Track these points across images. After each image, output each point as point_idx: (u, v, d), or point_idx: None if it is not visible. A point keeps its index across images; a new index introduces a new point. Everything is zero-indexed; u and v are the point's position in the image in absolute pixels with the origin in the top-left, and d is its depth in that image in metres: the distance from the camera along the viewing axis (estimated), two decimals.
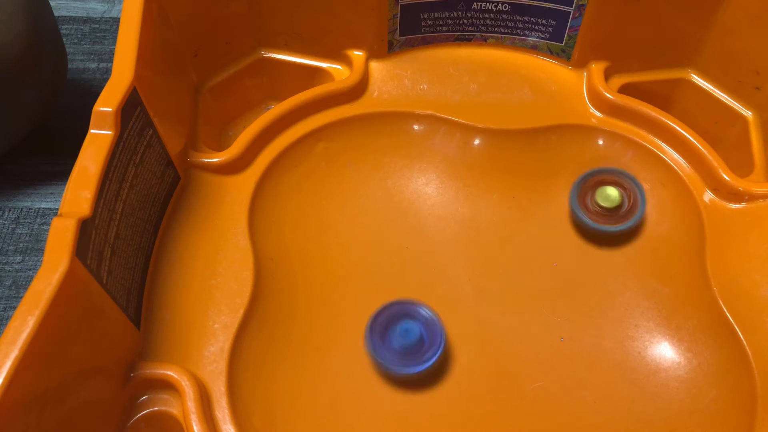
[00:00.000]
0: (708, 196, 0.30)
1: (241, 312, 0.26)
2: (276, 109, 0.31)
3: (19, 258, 0.33)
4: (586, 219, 0.30)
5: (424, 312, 0.27)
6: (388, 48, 0.33)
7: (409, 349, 0.27)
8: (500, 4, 0.33)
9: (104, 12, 0.42)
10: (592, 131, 0.32)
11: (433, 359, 0.27)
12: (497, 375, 0.28)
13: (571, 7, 0.32)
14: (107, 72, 0.39)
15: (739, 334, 0.27)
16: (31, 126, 0.34)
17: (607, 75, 0.33)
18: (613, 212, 0.30)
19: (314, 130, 0.32)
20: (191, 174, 0.30)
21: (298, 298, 0.29)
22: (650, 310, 0.29)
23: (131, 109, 0.25)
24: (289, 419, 0.26)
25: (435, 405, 0.27)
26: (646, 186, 0.31)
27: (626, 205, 0.30)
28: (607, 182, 0.30)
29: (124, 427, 0.24)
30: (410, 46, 0.34)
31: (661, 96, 0.34)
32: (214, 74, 0.33)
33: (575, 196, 0.30)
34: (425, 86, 0.33)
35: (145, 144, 0.26)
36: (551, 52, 0.34)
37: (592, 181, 0.30)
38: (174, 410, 0.24)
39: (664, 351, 0.28)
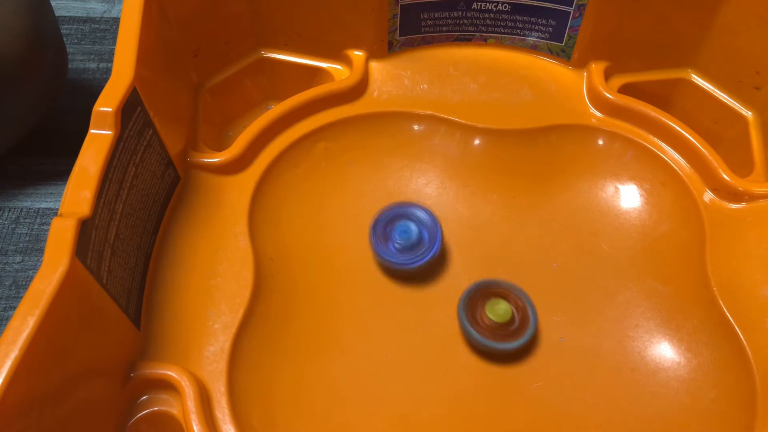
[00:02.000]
0: (708, 196, 0.30)
1: (241, 312, 0.26)
2: (276, 109, 0.31)
3: (19, 258, 0.33)
4: (475, 334, 0.28)
5: (422, 213, 0.30)
6: (389, 48, 0.33)
7: (409, 247, 0.29)
8: (500, 4, 0.33)
9: (104, 12, 0.42)
10: (592, 131, 0.32)
11: (432, 253, 0.29)
12: (497, 375, 0.28)
13: (571, 7, 0.32)
14: (107, 72, 0.39)
15: (739, 334, 0.27)
16: (31, 126, 0.34)
17: (607, 75, 0.33)
18: (503, 327, 0.28)
19: (314, 130, 0.32)
20: (191, 174, 0.30)
21: (299, 298, 0.29)
22: (650, 310, 0.29)
23: (131, 109, 0.25)
24: (289, 419, 0.26)
25: (435, 405, 0.27)
26: (646, 186, 0.31)
27: (516, 321, 0.28)
28: (497, 295, 0.29)
29: (124, 427, 0.24)
30: (410, 46, 0.34)
31: (661, 96, 0.34)
32: (214, 74, 0.33)
33: (463, 309, 0.28)
34: (425, 86, 0.33)
35: (145, 144, 0.26)
36: (551, 52, 0.34)
37: (481, 292, 0.29)
38: (174, 410, 0.24)
39: (664, 351, 0.28)
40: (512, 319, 0.28)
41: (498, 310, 0.28)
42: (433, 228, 0.29)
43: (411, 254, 0.29)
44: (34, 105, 0.33)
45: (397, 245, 0.29)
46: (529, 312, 0.28)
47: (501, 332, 0.28)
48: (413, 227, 0.29)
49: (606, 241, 0.31)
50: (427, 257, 0.29)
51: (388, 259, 0.29)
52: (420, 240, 0.29)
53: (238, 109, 0.35)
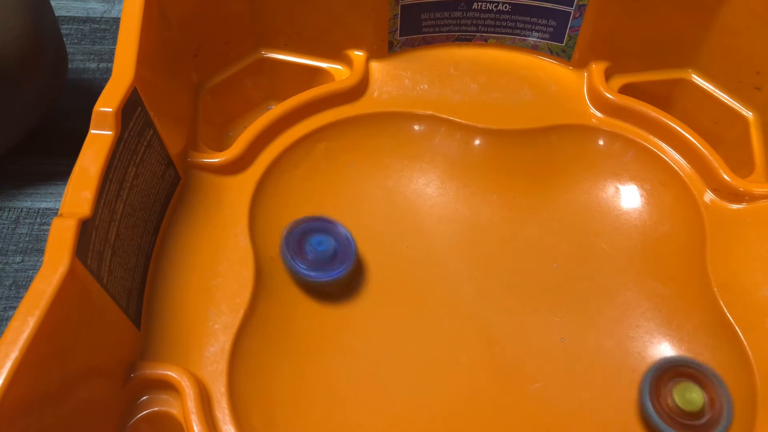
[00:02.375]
0: (708, 196, 0.30)
1: (241, 312, 0.26)
2: (276, 110, 0.31)
3: (19, 258, 0.33)
4: (657, 420, 0.25)
5: (340, 229, 0.29)
6: (389, 48, 0.33)
7: (322, 260, 0.28)
8: (501, 5, 0.33)
9: (104, 12, 0.42)
10: (593, 131, 0.32)
11: (343, 270, 0.28)
12: (497, 375, 0.28)
13: (572, 7, 0.32)
14: (107, 72, 0.39)
15: (740, 334, 0.27)
16: (31, 126, 0.34)
17: (608, 75, 0.33)
18: (691, 417, 0.25)
19: (315, 130, 0.32)
20: (191, 174, 0.30)
21: (299, 298, 0.29)
22: (651, 310, 0.29)
23: (131, 109, 0.25)
24: (289, 419, 0.26)
25: (435, 405, 0.27)
26: (647, 186, 0.31)
27: (707, 412, 0.25)
28: (687, 377, 0.25)
29: (125, 427, 0.24)
30: (411, 46, 0.34)
31: (662, 96, 0.34)
32: (214, 74, 0.33)
33: (646, 388, 0.25)
34: (426, 86, 0.33)
35: (145, 144, 0.26)
36: (552, 53, 0.34)
37: (670, 372, 0.26)
38: (174, 410, 0.24)
39: (665, 351, 0.28)
40: (702, 411, 0.25)
41: (688, 397, 0.25)
42: (345, 242, 0.29)
43: (325, 268, 0.29)
44: (34, 105, 0.33)
45: (310, 257, 0.29)
46: (724, 406, 0.25)
47: (687, 421, 0.25)
48: (329, 240, 0.29)
49: (606, 241, 0.31)
50: (340, 271, 0.29)
51: (301, 273, 0.28)
52: (334, 254, 0.29)
53: (239, 110, 0.35)
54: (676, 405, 0.25)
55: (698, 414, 0.25)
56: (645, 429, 0.26)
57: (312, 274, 0.28)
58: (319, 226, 0.29)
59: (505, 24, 0.33)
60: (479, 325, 0.29)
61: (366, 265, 0.30)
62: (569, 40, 0.33)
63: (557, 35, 0.33)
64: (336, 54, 0.33)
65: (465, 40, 0.34)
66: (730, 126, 0.33)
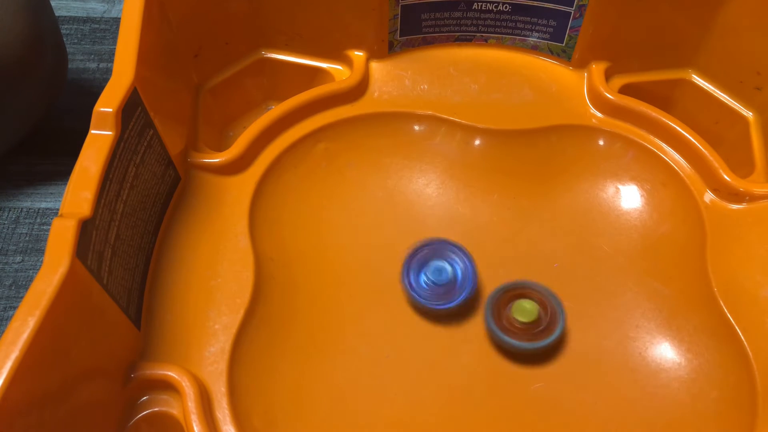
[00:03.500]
0: (708, 196, 0.30)
1: (241, 312, 0.26)
2: (276, 110, 0.31)
3: (19, 258, 0.33)
4: (503, 336, 0.27)
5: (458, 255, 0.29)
6: (389, 48, 0.33)
7: (441, 287, 0.29)
8: (501, 5, 0.33)
9: (104, 12, 0.42)
10: (593, 131, 0.32)
11: (464, 295, 0.28)
12: (497, 375, 0.28)
13: (572, 7, 0.32)
14: (107, 72, 0.39)
15: (740, 334, 0.27)
16: (32, 126, 0.34)
17: (608, 75, 0.33)
18: (531, 327, 0.28)
19: (315, 130, 0.32)
20: (192, 174, 0.30)
21: (299, 298, 0.29)
22: (651, 310, 0.29)
23: (132, 109, 0.25)
24: (289, 420, 0.26)
25: (435, 405, 0.27)
26: (647, 186, 0.31)
27: (544, 320, 0.28)
28: (523, 296, 0.28)
29: (125, 428, 0.24)
30: (411, 46, 0.34)
31: (662, 96, 0.34)
32: (214, 74, 0.33)
33: (490, 312, 0.28)
34: (426, 86, 0.33)
35: (145, 144, 0.26)
36: (552, 53, 0.34)
37: (508, 295, 0.29)
38: (174, 411, 0.24)
39: (665, 352, 0.28)
40: (539, 319, 0.28)
41: (524, 310, 0.28)
42: (467, 267, 0.29)
43: (443, 295, 0.29)
44: (34, 105, 0.33)
45: (428, 284, 0.29)
46: (558, 311, 0.28)
47: (529, 333, 0.28)
48: (447, 267, 0.29)
49: (606, 241, 0.31)
50: (461, 298, 0.29)
51: (418, 299, 0.29)
52: (454, 281, 0.29)
53: (239, 110, 0.35)
54: (516, 320, 0.28)
55: (537, 322, 0.28)
56: (498, 351, 0.28)
57: (430, 303, 0.28)
58: (439, 249, 0.29)
59: (505, 24, 0.33)
60: (479, 325, 0.29)
61: (367, 266, 0.30)
62: (569, 41, 0.33)
63: (557, 35, 0.33)
64: (336, 54, 0.33)
65: (465, 40, 0.34)
66: (731, 126, 0.33)
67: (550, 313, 0.28)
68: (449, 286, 0.29)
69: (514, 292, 0.29)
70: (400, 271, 0.29)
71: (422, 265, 0.29)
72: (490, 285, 0.30)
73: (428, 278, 0.29)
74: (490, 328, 0.28)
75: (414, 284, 0.29)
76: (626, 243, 0.31)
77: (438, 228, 0.31)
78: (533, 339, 0.27)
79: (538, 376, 0.28)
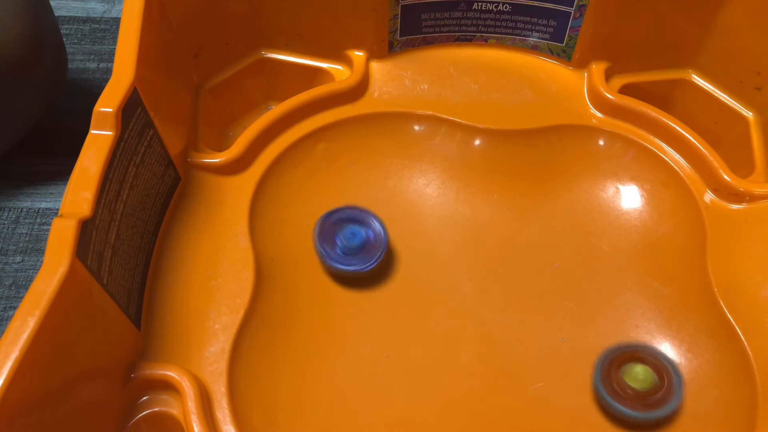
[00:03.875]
0: (709, 196, 0.30)
1: (241, 312, 0.26)
2: (276, 110, 0.31)
3: (19, 258, 0.33)
4: (614, 403, 0.25)
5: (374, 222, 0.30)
6: (389, 48, 0.33)
7: (354, 251, 0.29)
8: (501, 5, 0.33)
9: (104, 12, 0.42)
10: (593, 131, 0.32)
11: (373, 262, 0.29)
12: (497, 375, 0.28)
13: (572, 7, 0.32)
14: (107, 72, 0.39)
15: (740, 334, 0.27)
16: (31, 126, 0.34)
17: (608, 75, 0.33)
18: (644, 395, 0.26)
19: (315, 130, 0.32)
20: (192, 174, 0.30)
21: (299, 298, 0.29)
22: (651, 310, 0.29)
23: (132, 109, 0.25)
24: (290, 420, 0.26)
25: (435, 405, 0.27)
26: (647, 186, 0.31)
27: (661, 388, 0.26)
28: (635, 359, 0.27)
29: (125, 428, 0.24)
30: (411, 46, 0.34)
31: (662, 96, 0.34)
32: (214, 74, 0.33)
33: (599, 374, 0.26)
34: (426, 87, 0.33)
35: (145, 144, 0.26)
36: (552, 53, 0.34)
37: (621, 357, 0.27)
38: (174, 411, 0.24)
39: (665, 352, 0.28)
40: (654, 387, 0.26)
41: (637, 376, 0.26)
42: (378, 233, 0.29)
43: (358, 259, 0.29)
44: (34, 105, 0.33)
45: (340, 249, 0.29)
46: (673, 376, 0.26)
47: (643, 401, 0.26)
48: (360, 231, 0.29)
49: (606, 241, 0.31)
50: (373, 262, 0.29)
51: (333, 264, 0.29)
52: (365, 244, 0.29)
53: (239, 110, 0.35)
54: (627, 385, 0.26)
55: (652, 391, 0.26)
56: (606, 417, 0.27)
57: (341, 266, 0.29)
58: (354, 215, 0.30)
59: (505, 24, 0.33)
60: (479, 325, 0.29)
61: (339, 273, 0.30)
62: (569, 41, 0.33)
63: (557, 35, 0.33)
64: (336, 54, 0.33)
65: (465, 40, 0.34)
66: (731, 126, 0.33)
67: (667, 381, 0.26)
68: (358, 249, 0.29)
69: (623, 355, 0.27)
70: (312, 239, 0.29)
71: (335, 231, 0.29)
72: (488, 286, 0.30)
73: (343, 242, 0.29)
74: (600, 393, 0.26)
75: (329, 251, 0.29)
76: (626, 243, 0.31)
77: (438, 228, 0.31)
78: (646, 408, 0.26)
79: (538, 377, 0.28)
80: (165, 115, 0.27)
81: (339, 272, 0.29)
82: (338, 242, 0.29)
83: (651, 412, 0.26)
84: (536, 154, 0.32)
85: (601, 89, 0.32)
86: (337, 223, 0.29)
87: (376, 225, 0.29)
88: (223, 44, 0.33)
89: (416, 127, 0.33)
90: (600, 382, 0.26)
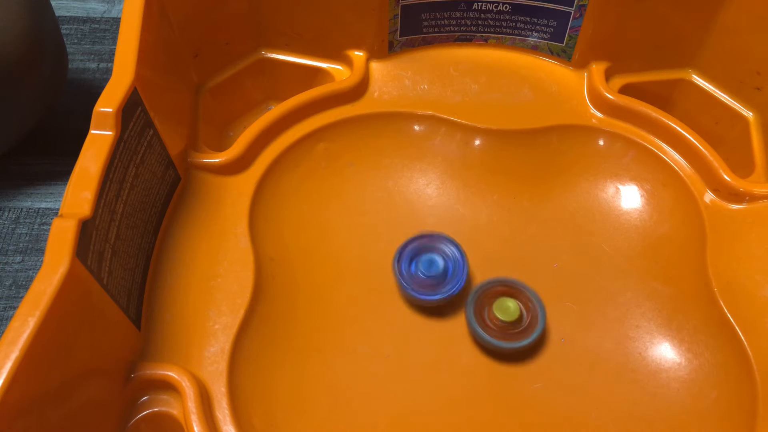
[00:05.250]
0: (709, 196, 0.30)
1: (241, 312, 0.26)
2: (276, 110, 0.31)
3: (19, 258, 0.33)
4: (484, 334, 0.27)
5: (448, 248, 0.29)
6: (389, 48, 0.33)
7: (433, 279, 0.29)
8: (501, 5, 0.33)
9: (104, 12, 0.42)
10: (593, 132, 0.32)
11: (455, 289, 0.28)
12: (497, 375, 0.28)
13: (572, 7, 0.32)
14: (107, 72, 0.39)
15: (740, 334, 0.27)
16: (31, 126, 0.34)
17: (608, 75, 0.33)
18: (512, 326, 0.28)
19: (315, 130, 0.32)
20: (192, 174, 0.30)
21: (299, 298, 0.29)
22: (651, 310, 0.29)
23: (132, 109, 0.25)
24: (290, 420, 0.26)
25: (435, 405, 0.27)
26: (647, 186, 0.31)
27: (525, 319, 0.28)
28: (506, 294, 0.29)
29: (125, 428, 0.24)
30: (411, 46, 0.34)
31: (662, 96, 0.34)
32: (214, 75, 0.33)
33: (471, 309, 0.28)
34: (426, 87, 0.33)
35: (145, 144, 0.26)
36: (552, 53, 0.34)
37: (490, 292, 0.29)
38: (174, 411, 0.24)
39: (665, 352, 0.28)
40: (520, 318, 0.28)
41: (506, 309, 0.28)
42: (458, 262, 0.29)
43: (435, 287, 0.29)
44: (34, 105, 0.33)
45: (422, 276, 0.29)
46: (538, 310, 0.28)
47: (509, 331, 0.28)
48: (439, 260, 0.29)
49: (607, 241, 0.31)
50: (452, 291, 0.29)
51: (408, 289, 0.29)
52: (445, 274, 0.29)
53: (239, 110, 0.35)
54: (498, 318, 0.28)
55: (518, 321, 0.28)
56: (474, 348, 0.28)
57: (422, 296, 0.29)
58: (430, 243, 0.30)
59: (505, 24, 0.33)
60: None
61: (367, 266, 0.30)
62: (569, 41, 0.33)
63: (557, 35, 0.33)
64: (336, 54, 0.33)
65: (465, 40, 0.34)
66: (731, 126, 0.33)
67: (531, 314, 0.28)
68: (439, 278, 0.29)
69: (497, 289, 0.29)
70: (392, 260, 0.29)
71: (414, 255, 0.29)
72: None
73: (420, 269, 0.29)
74: (471, 326, 0.28)
75: (405, 273, 0.29)
76: (626, 243, 0.31)
77: (438, 228, 0.31)
78: (511, 339, 0.28)
79: (538, 377, 0.28)
80: (165, 115, 0.27)
81: (419, 301, 0.29)
82: (417, 271, 0.29)
83: (515, 342, 0.27)
84: (536, 154, 0.32)
85: (601, 89, 0.32)
86: (414, 250, 0.29)
87: (455, 252, 0.29)
88: (223, 44, 0.33)
89: (416, 127, 0.33)
90: (472, 313, 0.28)
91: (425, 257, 0.29)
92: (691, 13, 0.31)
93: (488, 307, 0.28)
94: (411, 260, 0.29)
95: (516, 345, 0.27)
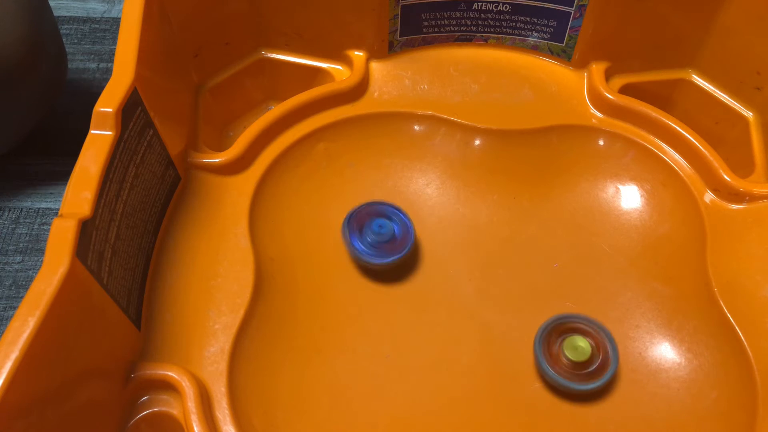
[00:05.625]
0: (709, 196, 0.30)
1: (241, 312, 0.26)
2: (276, 110, 0.31)
3: (19, 258, 0.33)
4: (551, 372, 0.27)
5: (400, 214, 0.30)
6: (389, 48, 0.33)
7: (383, 244, 0.29)
8: (501, 5, 0.33)
9: (104, 12, 0.42)
10: (593, 132, 0.32)
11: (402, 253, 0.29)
12: (497, 375, 0.28)
13: (572, 7, 0.32)
14: (107, 72, 0.39)
15: (740, 334, 0.27)
16: (31, 126, 0.34)
17: (608, 75, 0.33)
18: (582, 366, 0.27)
19: (315, 130, 0.32)
20: (192, 174, 0.30)
21: (299, 298, 0.29)
22: (651, 310, 0.29)
23: (132, 109, 0.25)
24: (290, 420, 0.26)
25: (435, 405, 0.27)
26: (647, 186, 0.31)
27: (597, 360, 0.27)
28: (576, 331, 0.28)
29: (125, 428, 0.24)
30: (411, 46, 0.34)
31: (662, 96, 0.34)
32: (214, 74, 0.33)
33: (539, 344, 0.27)
34: (426, 87, 0.33)
35: (145, 144, 0.26)
36: (552, 53, 0.34)
37: (560, 327, 0.28)
38: (174, 411, 0.24)
39: (665, 352, 0.28)
40: (592, 358, 0.27)
41: (577, 348, 0.27)
42: (405, 226, 0.30)
43: (385, 251, 0.29)
44: (34, 105, 0.33)
45: (370, 240, 0.29)
46: (609, 350, 0.27)
47: (579, 371, 0.27)
48: (388, 224, 0.30)
49: (606, 241, 0.31)
50: (402, 253, 0.29)
51: (361, 256, 0.29)
52: (393, 237, 0.29)
53: (239, 110, 0.35)
54: (568, 358, 0.27)
55: (589, 362, 0.27)
56: (548, 388, 0.27)
57: (372, 258, 0.29)
58: (382, 210, 0.30)
59: (505, 24, 0.33)
60: (479, 325, 0.29)
61: (366, 266, 0.30)
62: (569, 41, 0.33)
63: (557, 35, 0.33)
64: (336, 54, 0.33)
65: (465, 40, 0.34)
66: (731, 126, 0.33)
67: (602, 353, 0.27)
68: (391, 242, 0.29)
69: (562, 327, 0.28)
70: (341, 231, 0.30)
71: (363, 224, 0.30)
72: (488, 286, 0.30)
73: (372, 234, 0.29)
74: (541, 366, 0.27)
75: (357, 243, 0.29)
76: (626, 243, 0.31)
77: (438, 228, 0.31)
78: (582, 379, 0.27)
79: (539, 377, 0.28)
80: (165, 115, 0.27)
81: (368, 264, 0.29)
82: (368, 235, 0.29)
83: (588, 383, 0.27)
84: (536, 154, 0.32)
85: (601, 89, 0.32)
86: (365, 216, 0.30)
87: (404, 219, 0.30)
88: (223, 44, 0.33)
89: (416, 127, 0.33)
90: (542, 356, 0.27)
91: (376, 221, 0.30)
92: (691, 13, 0.31)
93: (560, 343, 0.27)
94: (361, 227, 0.30)
95: (588, 386, 0.26)
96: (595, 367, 0.27)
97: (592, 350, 0.27)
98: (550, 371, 0.27)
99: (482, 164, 0.32)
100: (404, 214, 0.30)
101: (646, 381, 0.27)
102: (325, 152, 0.32)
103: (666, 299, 0.29)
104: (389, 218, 0.30)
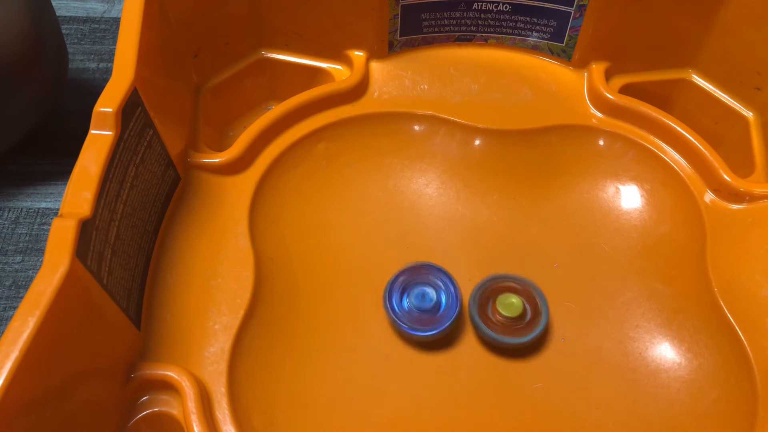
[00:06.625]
0: (709, 196, 0.30)
1: (241, 312, 0.26)
2: (276, 110, 0.31)
3: (19, 258, 0.33)
4: (488, 331, 0.27)
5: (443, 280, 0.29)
6: (389, 48, 0.33)
7: (424, 313, 0.28)
8: (501, 5, 0.33)
9: (104, 12, 0.42)
10: (593, 131, 0.32)
11: (446, 324, 0.28)
12: (497, 375, 0.28)
13: (572, 7, 0.32)
14: (107, 72, 0.39)
15: (740, 334, 0.27)
16: (31, 126, 0.34)
17: (608, 75, 0.33)
18: (515, 322, 0.28)
19: (315, 130, 0.32)
20: (192, 174, 0.30)
21: (299, 298, 0.29)
22: (651, 310, 0.29)
23: (132, 109, 0.25)
24: (290, 420, 0.26)
25: (435, 405, 0.27)
26: (647, 186, 0.31)
27: (528, 315, 0.28)
28: (507, 290, 0.28)
29: (125, 428, 0.24)
30: (411, 46, 0.34)
31: (662, 96, 0.34)
32: (214, 74, 0.33)
33: (475, 305, 0.28)
34: (426, 86, 0.33)
35: (145, 144, 0.26)
36: (552, 53, 0.34)
37: (492, 288, 0.29)
38: (174, 411, 0.24)
39: (665, 352, 0.28)
40: (524, 314, 0.28)
41: (510, 305, 0.28)
42: (450, 295, 0.29)
43: (427, 321, 0.28)
44: (35, 105, 0.33)
45: (413, 308, 0.28)
46: (541, 306, 0.28)
47: (513, 327, 0.28)
48: (431, 292, 0.28)
49: (607, 241, 0.31)
50: (444, 326, 0.28)
51: (401, 323, 0.28)
52: (437, 306, 0.28)
53: (239, 110, 0.35)
54: (502, 314, 0.28)
55: (521, 317, 0.28)
56: (476, 344, 0.28)
57: (412, 331, 0.28)
58: (421, 277, 0.29)
59: (505, 24, 0.33)
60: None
61: (367, 266, 0.30)
62: (569, 41, 0.33)
63: (557, 35, 0.33)
64: (336, 54, 0.33)
65: (465, 40, 0.34)
66: (731, 126, 0.33)
67: (533, 308, 0.28)
68: (433, 311, 0.28)
69: (498, 285, 0.29)
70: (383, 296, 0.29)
71: (405, 289, 0.29)
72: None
73: (411, 303, 0.28)
74: (474, 321, 0.28)
75: (397, 309, 0.28)
76: (626, 243, 0.31)
77: (438, 228, 0.31)
78: (514, 334, 0.28)
79: (538, 376, 0.28)
80: (165, 115, 0.27)
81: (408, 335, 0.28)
82: (407, 304, 0.28)
83: (521, 338, 0.27)
84: (536, 154, 0.32)
85: (601, 89, 0.32)
86: (407, 283, 0.29)
87: (450, 287, 0.29)
88: (223, 44, 0.33)
89: (416, 127, 0.33)
90: (475, 309, 0.28)
91: (417, 290, 0.28)
92: (691, 13, 0.31)
93: (492, 302, 0.28)
94: (402, 294, 0.28)
95: (519, 340, 0.27)
96: (526, 321, 0.28)
97: (524, 306, 0.28)
98: (484, 327, 0.27)
99: (482, 164, 0.32)
100: (448, 277, 0.29)
101: (646, 381, 0.27)
102: (325, 152, 0.32)
103: (666, 299, 0.29)
104: (431, 284, 0.29)
